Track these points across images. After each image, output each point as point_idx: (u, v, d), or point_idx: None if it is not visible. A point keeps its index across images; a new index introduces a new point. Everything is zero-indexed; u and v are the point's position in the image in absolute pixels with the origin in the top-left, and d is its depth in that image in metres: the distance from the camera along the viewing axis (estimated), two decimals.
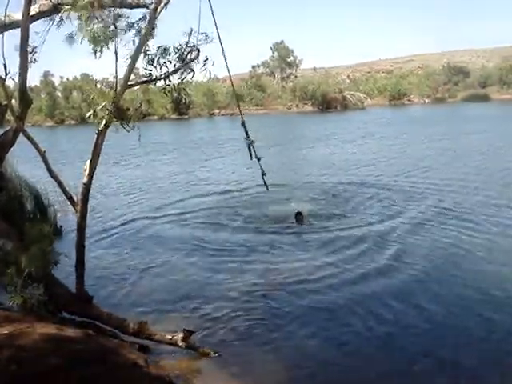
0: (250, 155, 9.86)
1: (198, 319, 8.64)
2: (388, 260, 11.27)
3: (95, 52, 7.11)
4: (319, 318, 8.59)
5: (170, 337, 7.31)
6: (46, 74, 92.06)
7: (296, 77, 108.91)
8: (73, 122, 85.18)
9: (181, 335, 7.23)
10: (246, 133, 9.87)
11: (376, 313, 8.75)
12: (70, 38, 10.58)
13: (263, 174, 10.27)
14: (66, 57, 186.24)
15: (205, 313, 8.94)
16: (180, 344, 7.26)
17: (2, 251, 8.08)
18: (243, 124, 9.81)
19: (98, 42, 6.94)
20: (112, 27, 7.24)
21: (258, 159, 10.00)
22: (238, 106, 11.66)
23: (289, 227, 14.16)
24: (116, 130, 7.38)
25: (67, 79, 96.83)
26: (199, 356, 7.33)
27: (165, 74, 7.45)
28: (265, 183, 10.51)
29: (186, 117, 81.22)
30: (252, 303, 9.18)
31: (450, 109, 71.29)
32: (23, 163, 14.58)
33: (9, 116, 8.90)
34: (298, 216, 14.44)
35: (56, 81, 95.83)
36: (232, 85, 13.51)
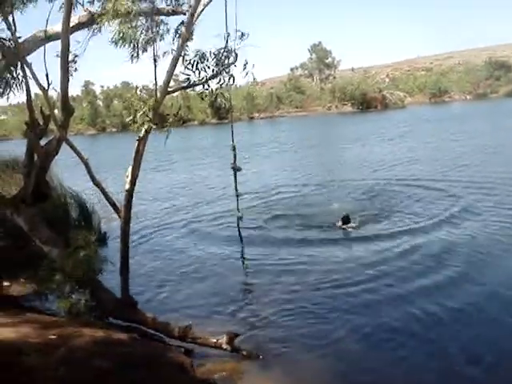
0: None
1: (241, 322, 8.63)
2: (439, 263, 10.80)
3: (132, 57, 7.22)
4: (364, 323, 8.35)
5: (215, 340, 7.32)
6: (87, 84, 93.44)
7: (334, 78, 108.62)
8: (114, 129, 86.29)
9: (225, 338, 7.24)
10: (235, 158, 9.94)
11: (425, 319, 8.34)
12: (114, 42, 10.80)
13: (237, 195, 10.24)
14: (105, 65, 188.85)
15: (248, 315, 8.92)
16: (225, 347, 7.27)
17: (48, 258, 8.25)
18: (234, 149, 9.87)
19: (135, 45, 7.02)
20: (149, 33, 7.32)
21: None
22: (231, 120, 11.35)
23: (334, 230, 13.87)
24: (157, 135, 7.45)
25: (108, 88, 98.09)
26: (244, 359, 7.32)
27: (203, 79, 7.49)
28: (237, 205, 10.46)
29: (226, 121, 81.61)
30: (295, 306, 9.09)
31: (492, 104, 70.03)
32: (66, 171, 14.81)
33: (52, 125, 9.10)
34: (345, 219, 14.00)
35: (97, 90, 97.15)
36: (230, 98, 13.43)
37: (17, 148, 18.10)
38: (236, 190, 10.57)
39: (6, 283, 10.51)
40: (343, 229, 13.81)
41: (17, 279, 10.65)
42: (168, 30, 8.31)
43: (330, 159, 29.74)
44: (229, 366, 7.22)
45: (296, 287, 9.92)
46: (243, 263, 11.68)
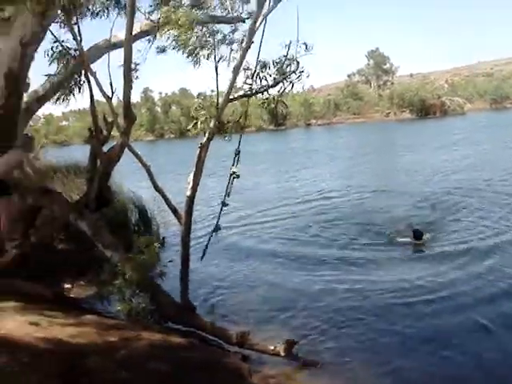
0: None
1: (299, 330, 8.57)
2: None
3: (194, 63, 7.34)
4: (425, 340, 7.98)
5: (273, 347, 7.32)
6: (146, 90, 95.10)
7: (392, 84, 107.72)
8: (172, 135, 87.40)
9: (283, 346, 7.24)
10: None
11: (496, 341, 7.86)
12: (162, 50, 10.99)
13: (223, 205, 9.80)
14: (163, 72, 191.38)
15: (305, 324, 8.85)
16: (282, 354, 7.27)
17: (110, 262, 8.42)
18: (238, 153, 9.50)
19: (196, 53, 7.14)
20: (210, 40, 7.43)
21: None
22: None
23: (401, 243, 13.20)
24: (218, 141, 7.54)
25: (166, 94, 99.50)
26: (301, 367, 7.30)
27: (264, 87, 7.55)
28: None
29: (283, 128, 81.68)
30: (354, 318, 8.96)
31: None
32: (126, 177, 15.06)
33: (114, 132, 9.31)
34: (417, 233, 13.05)
35: (155, 96, 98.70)
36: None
37: (77, 153, 18.57)
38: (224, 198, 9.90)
39: (67, 285, 10.75)
40: (414, 244, 13.01)
41: (78, 282, 10.89)
42: (227, 40, 8.44)
43: (386, 166, 29.47)
44: (286, 374, 7.20)
45: (356, 300, 9.72)
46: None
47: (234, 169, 8.98)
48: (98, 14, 10.06)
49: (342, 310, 9.23)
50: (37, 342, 6.34)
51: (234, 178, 9.21)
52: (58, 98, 10.71)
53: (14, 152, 9.57)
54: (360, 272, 11.34)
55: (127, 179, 15.24)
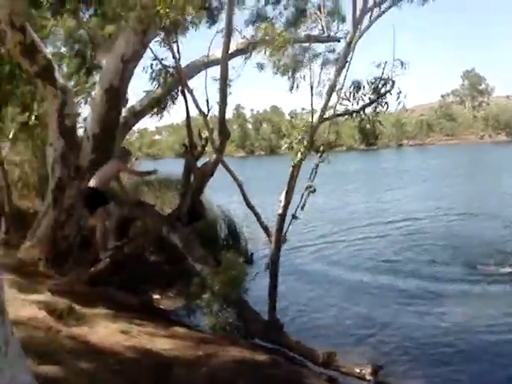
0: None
1: (383, 356, 8.41)
2: None
3: (291, 88, 7.39)
4: None
5: (359, 370, 7.22)
6: (238, 107, 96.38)
7: (488, 105, 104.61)
8: (262, 152, 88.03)
9: (369, 369, 7.13)
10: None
11: None
12: (261, 66, 11.11)
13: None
14: (255, 90, 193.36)
15: (390, 350, 8.67)
16: (368, 378, 7.15)
17: (200, 276, 8.55)
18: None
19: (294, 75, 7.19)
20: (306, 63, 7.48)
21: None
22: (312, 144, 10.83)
23: (492, 271, 12.45)
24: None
25: (257, 112, 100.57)
26: None
27: (360, 107, 7.52)
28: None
29: (375, 147, 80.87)
30: (442, 346, 8.71)
31: None
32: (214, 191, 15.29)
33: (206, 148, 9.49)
34: None
35: (247, 113, 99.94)
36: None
37: (168, 167, 18.98)
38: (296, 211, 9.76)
39: (156, 296, 10.98)
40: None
41: (166, 293, 11.11)
42: (323, 60, 8.46)
43: (479, 189, 28.54)
44: None
45: (446, 334, 9.28)
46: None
47: (309, 183, 9.01)
48: (195, 28, 10.28)
49: (428, 342, 8.88)
50: (127, 350, 6.50)
51: (309, 192, 9.25)
52: (154, 113, 10.95)
53: (112, 163, 9.90)
54: (451, 304, 10.81)
55: (216, 194, 15.45)
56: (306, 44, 9.80)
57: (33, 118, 16.81)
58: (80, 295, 8.81)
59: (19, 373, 2.82)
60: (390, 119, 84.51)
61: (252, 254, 14.11)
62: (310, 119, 7.46)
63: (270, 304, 8.10)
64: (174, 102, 11.05)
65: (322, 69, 7.97)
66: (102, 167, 9.86)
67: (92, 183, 9.56)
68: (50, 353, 5.56)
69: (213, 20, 12.02)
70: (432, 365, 8.01)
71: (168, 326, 8.65)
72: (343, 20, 10.23)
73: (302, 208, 9.20)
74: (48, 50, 12.68)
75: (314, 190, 9.27)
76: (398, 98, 7.50)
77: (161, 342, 7.21)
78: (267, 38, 8.16)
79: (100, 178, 9.65)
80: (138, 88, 13.16)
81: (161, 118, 9.63)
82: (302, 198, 8.96)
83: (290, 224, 9.09)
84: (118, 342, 6.73)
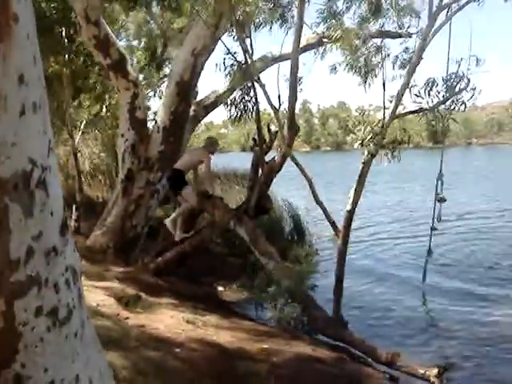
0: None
1: (450, 357, 8.25)
2: None
3: (364, 84, 7.33)
4: None
5: (423, 371, 7.08)
6: (305, 102, 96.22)
7: None
8: (328, 147, 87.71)
9: (434, 371, 6.99)
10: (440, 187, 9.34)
11: None
12: (333, 69, 11.06)
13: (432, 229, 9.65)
14: (322, 85, 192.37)
15: (457, 352, 8.51)
16: (432, 380, 7.00)
17: (265, 269, 8.58)
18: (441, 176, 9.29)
19: (366, 74, 7.13)
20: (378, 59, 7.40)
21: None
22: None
23: None
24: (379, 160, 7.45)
25: (324, 107, 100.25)
26: None
27: (434, 105, 7.39)
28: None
29: (442, 146, 79.41)
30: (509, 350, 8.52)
31: None
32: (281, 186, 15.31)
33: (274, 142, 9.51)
34: None
35: (313, 108, 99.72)
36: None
37: (234, 160, 19.06)
38: (433, 222, 9.83)
39: (220, 288, 11.08)
40: None
41: (231, 286, 11.19)
42: (388, 55, 8.37)
43: None
44: None
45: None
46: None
47: (439, 193, 9.28)
48: (268, 25, 10.29)
49: (496, 346, 8.69)
50: (193, 340, 6.58)
51: (440, 202, 9.39)
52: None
53: (199, 150, 10.12)
54: None
55: (279, 188, 15.46)
56: (378, 40, 9.65)
57: (104, 109, 17.25)
58: (146, 284, 9.00)
59: (94, 356, 2.89)
60: (459, 117, 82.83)
61: (317, 249, 14.07)
62: (382, 116, 7.39)
63: (335, 300, 8.06)
64: (244, 97, 11.11)
65: (393, 66, 7.90)
66: (190, 152, 10.14)
67: (177, 165, 9.93)
68: (117, 340, 5.69)
69: (284, 18, 12.02)
70: (500, 369, 7.82)
71: (232, 318, 8.72)
72: (417, 16, 10.02)
73: (439, 219, 9.28)
74: (121, 44, 12.96)
75: (445, 200, 9.30)
76: (473, 95, 7.35)
77: (225, 334, 7.27)
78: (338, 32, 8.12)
79: (186, 162, 9.90)
80: (209, 82, 13.28)
81: (237, 113, 9.66)
82: (434, 208, 9.04)
83: (431, 236, 9.53)
84: (184, 332, 6.82)
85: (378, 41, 9.17)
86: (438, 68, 8.03)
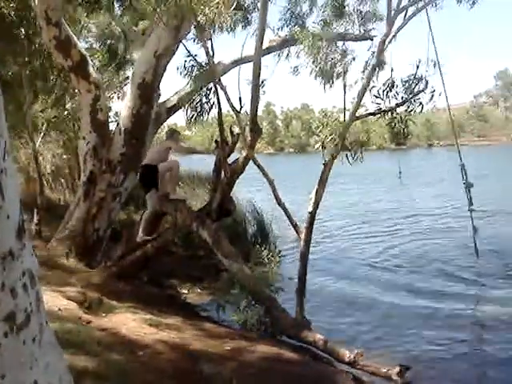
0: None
1: (411, 356, 8.34)
2: None
3: (324, 85, 7.39)
4: None
5: (386, 370, 7.17)
6: (268, 104, 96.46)
7: None
8: (292, 150, 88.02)
9: (396, 370, 7.08)
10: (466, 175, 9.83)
11: None
12: (295, 70, 11.13)
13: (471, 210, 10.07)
14: (286, 87, 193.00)
15: (417, 349, 8.61)
16: (395, 378, 7.10)
17: (228, 272, 8.59)
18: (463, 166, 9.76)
19: (328, 76, 7.18)
20: (340, 63, 7.47)
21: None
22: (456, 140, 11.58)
23: None
24: (340, 161, 7.53)
25: (287, 109, 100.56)
26: None
27: (392, 106, 7.50)
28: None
29: (404, 147, 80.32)
30: (474, 349, 8.64)
31: None
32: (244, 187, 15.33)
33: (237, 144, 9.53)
34: None
35: (277, 110, 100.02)
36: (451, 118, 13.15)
37: (197, 162, 19.04)
38: (470, 205, 10.57)
39: (183, 290, 11.07)
40: None
41: (194, 288, 11.18)
42: (354, 59, 8.47)
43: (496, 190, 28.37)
44: None
45: (477, 334, 9.36)
46: None
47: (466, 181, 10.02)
48: (230, 30, 10.31)
49: (460, 345, 8.84)
50: (155, 343, 6.56)
51: (468, 188, 10.09)
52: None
53: (163, 143, 10.39)
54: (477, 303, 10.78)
55: (245, 190, 15.50)
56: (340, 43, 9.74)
57: (65, 111, 17.06)
58: (109, 288, 8.92)
59: (53, 361, 2.86)
60: (420, 119, 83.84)
61: (280, 251, 14.06)
62: (342, 117, 7.46)
63: (298, 301, 8.11)
64: (206, 99, 11.11)
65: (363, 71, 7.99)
66: (154, 147, 10.18)
67: (146, 161, 10.04)
68: (79, 344, 5.63)
69: (247, 21, 12.05)
70: (463, 368, 7.93)
71: (195, 320, 8.71)
72: (380, 19, 10.16)
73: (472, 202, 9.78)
74: (83, 45, 12.86)
75: (472, 185, 9.73)
76: (432, 97, 7.47)
77: (188, 336, 7.27)
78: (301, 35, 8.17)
79: (153, 156, 9.98)
80: (171, 84, 13.24)
81: (194, 115, 9.66)
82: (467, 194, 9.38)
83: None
84: (147, 335, 6.79)
85: (339, 44, 9.27)
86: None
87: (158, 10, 8.69)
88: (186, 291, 11.12)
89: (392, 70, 7.58)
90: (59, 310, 6.81)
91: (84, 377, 4.68)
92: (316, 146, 7.58)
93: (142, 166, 10.12)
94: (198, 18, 7.90)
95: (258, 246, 10.84)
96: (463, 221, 16.14)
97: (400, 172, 8.34)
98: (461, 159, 10.26)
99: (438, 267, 13.28)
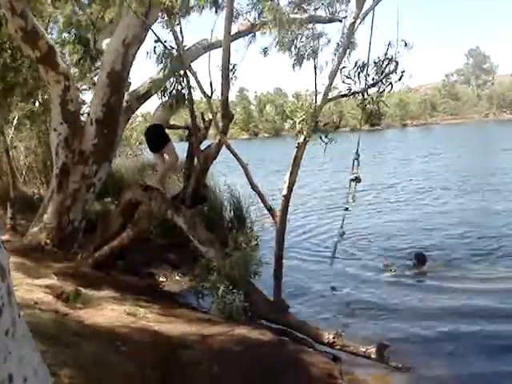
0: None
1: (391, 333, 8.41)
2: None
3: (294, 66, 7.39)
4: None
5: (364, 349, 7.24)
6: (242, 89, 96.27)
7: (493, 84, 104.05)
8: (266, 134, 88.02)
9: (375, 348, 7.15)
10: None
11: None
12: (265, 51, 11.10)
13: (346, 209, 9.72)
14: (259, 72, 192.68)
15: (396, 328, 8.69)
16: (374, 357, 7.17)
17: (205, 258, 8.59)
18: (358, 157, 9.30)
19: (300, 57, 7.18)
20: (312, 43, 7.46)
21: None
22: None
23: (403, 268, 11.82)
24: (313, 143, 7.55)
25: (261, 94, 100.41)
26: (392, 370, 7.19)
27: (364, 87, 7.52)
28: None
29: (379, 128, 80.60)
30: (449, 324, 8.80)
31: None
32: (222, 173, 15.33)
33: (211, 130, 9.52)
34: (419, 257, 11.78)
35: (251, 95, 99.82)
36: None
37: None
38: (347, 202, 9.69)
39: (161, 279, 11.07)
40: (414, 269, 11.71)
41: (172, 275, 11.19)
42: (329, 41, 8.46)
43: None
44: (376, 377, 7.13)
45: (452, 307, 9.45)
46: None
47: (354, 173, 9.08)
48: (198, 11, 10.26)
49: (435, 323, 8.97)
50: (134, 332, 6.56)
51: (355, 182, 9.22)
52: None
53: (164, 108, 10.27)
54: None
55: (228, 176, 15.50)
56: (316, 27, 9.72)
57: (37, 104, 16.84)
58: (86, 279, 8.89)
59: (27, 354, 2.85)
60: (393, 99, 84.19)
61: (257, 236, 14.07)
62: (314, 100, 7.47)
63: (276, 284, 8.15)
64: (177, 85, 11.03)
65: (335, 52, 7.98)
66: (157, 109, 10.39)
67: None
68: (57, 336, 5.62)
69: (217, 5, 11.96)
70: (440, 345, 8.05)
71: (174, 307, 8.74)
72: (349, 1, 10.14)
73: (353, 200, 9.28)
74: (51, 37, 12.69)
75: (360, 181, 9.21)
76: (401, 77, 7.51)
77: (167, 324, 7.28)
78: (270, 18, 8.12)
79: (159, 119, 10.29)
80: (141, 71, 13.14)
81: (165, 101, 9.62)
82: (349, 189, 9.07)
83: (344, 217, 9.57)
84: (126, 324, 6.79)
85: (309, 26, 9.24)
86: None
87: None
88: (164, 279, 11.12)
89: (369, 50, 7.59)
90: (35, 303, 6.77)
91: (62, 369, 4.67)
92: (286, 128, 7.59)
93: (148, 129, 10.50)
94: (166, 2, 7.82)
95: (235, 231, 10.85)
96: None
97: (358, 154, 8.13)
98: (357, 151, 9.16)
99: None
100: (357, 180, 9.15)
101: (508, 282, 10.29)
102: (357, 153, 8.94)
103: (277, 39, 7.66)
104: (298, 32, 7.94)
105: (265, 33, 8.13)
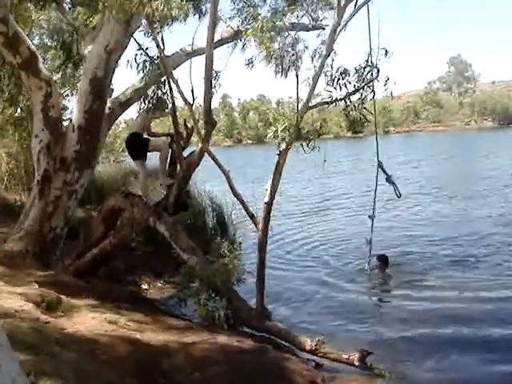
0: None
1: (373, 341, 8.44)
2: None
3: (276, 73, 7.40)
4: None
5: (347, 356, 7.25)
6: (225, 96, 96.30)
7: (474, 92, 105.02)
8: (249, 141, 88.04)
9: (358, 355, 7.17)
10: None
11: None
12: (250, 62, 11.10)
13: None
14: (242, 79, 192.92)
15: (379, 335, 8.73)
16: (356, 364, 7.18)
17: (187, 265, 8.57)
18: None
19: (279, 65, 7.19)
20: (292, 51, 7.48)
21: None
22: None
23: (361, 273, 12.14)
24: (296, 150, 7.57)
25: (244, 100, 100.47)
26: (375, 377, 7.20)
27: (345, 94, 7.55)
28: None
29: (362, 135, 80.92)
30: (426, 328, 8.87)
31: None
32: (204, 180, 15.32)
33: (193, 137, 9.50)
34: (382, 258, 11.96)
35: (234, 102, 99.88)
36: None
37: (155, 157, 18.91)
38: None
39: (144, 286, 11.01)
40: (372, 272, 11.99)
41: (154, 283, 11.15)
42: (307, 47, 8.48)
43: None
44: (359, 383, 7.15)
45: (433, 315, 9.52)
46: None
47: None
48: (181, 20, 10.24)
49: (414, 323, 9.03)
50: (115, 340, 6.50)
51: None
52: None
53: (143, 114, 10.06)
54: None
55: (211, 183, 15.50)
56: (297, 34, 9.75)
57: (19, 110, 16.72)
58: (67, 287, 8.80)
59: (5, 363, 2.82)
60: (377, 106, 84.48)
61: (240, 243, 14.03)
62: (296, 107, 7.50)
63: (258, 292, 8.15)
64: (159, 93, 11.01)
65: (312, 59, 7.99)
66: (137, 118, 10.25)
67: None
68: (37, 345, 5.56)
69: (200, 12, 11.96)
70: (422, 350, 8.08)
71: (156, 315, 8.67)
72: (331, 8, 10.18)
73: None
74: (34, 42, 12.61)
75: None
76: (385, 84, 7.56)
77: (148, 332, 7.23)
78: (253, 26, 8.14)
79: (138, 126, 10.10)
80: (125, 78, 13.10)
81: (147, 108, 9.59)
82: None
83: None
84: (107, 332, 6.73)
85: (291, 34, 9.27)
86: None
87: (107, 3, 8.59)
88: (146, 287, 11.07)
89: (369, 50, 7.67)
90: (16, 311, 6.69)
91: (42, 378, 4.61)
92: (268, 136, 7.60)
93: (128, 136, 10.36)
94: (147, 10, 7.79)
95: (217, 238, 10.84)
96: None
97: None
98: (377, 156, 10.04)
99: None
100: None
101: (477, 288, 10.53)
102: (380, 162, 9.48)
103: (260, 51, 7.67)
104: (280, 40, 7.95)
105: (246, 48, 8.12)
